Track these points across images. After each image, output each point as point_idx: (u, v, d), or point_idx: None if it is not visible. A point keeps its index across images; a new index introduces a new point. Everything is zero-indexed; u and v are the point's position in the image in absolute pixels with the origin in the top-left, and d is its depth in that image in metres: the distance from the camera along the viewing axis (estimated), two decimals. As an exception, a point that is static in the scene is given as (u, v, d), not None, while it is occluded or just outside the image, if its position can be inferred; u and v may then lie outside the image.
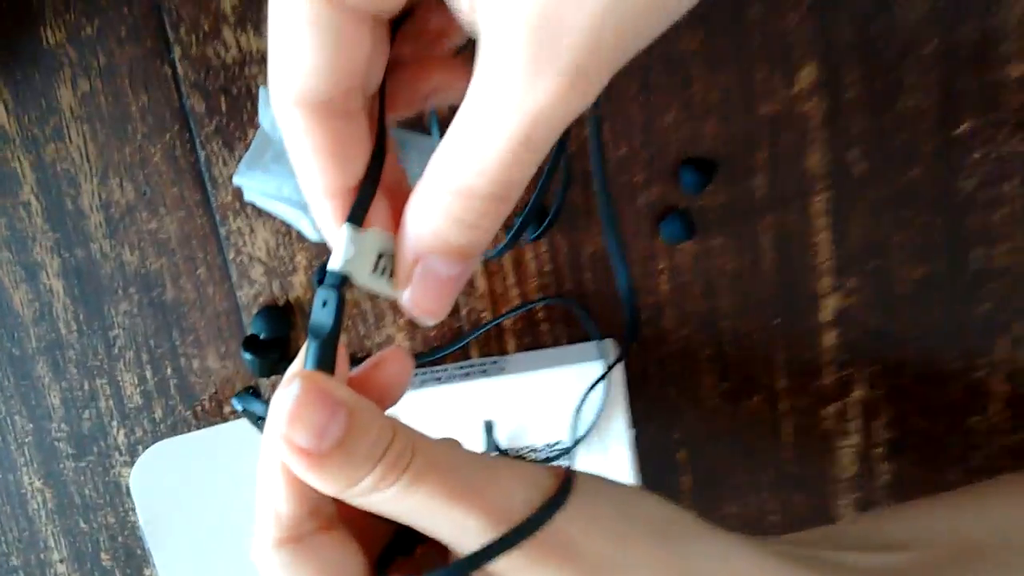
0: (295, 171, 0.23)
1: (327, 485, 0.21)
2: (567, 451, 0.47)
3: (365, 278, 0.22)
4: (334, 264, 0.22)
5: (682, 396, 0.50)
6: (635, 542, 0.23)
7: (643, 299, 0.49)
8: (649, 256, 0.49)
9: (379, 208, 0.23)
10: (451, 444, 0.24)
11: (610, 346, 0.48)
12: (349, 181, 0.23)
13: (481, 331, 0.49)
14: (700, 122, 0.46)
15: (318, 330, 0.22)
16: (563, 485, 0.23)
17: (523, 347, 0.50)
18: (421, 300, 0.22)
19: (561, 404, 0.46)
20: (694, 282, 0.49)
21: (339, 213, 0.23)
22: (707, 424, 0.50)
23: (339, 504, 0.23)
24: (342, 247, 0.22)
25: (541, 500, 0.23)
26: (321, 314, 0.22)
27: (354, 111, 0.22)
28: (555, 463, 0.48)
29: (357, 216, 0.22)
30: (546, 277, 0.49)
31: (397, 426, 0.22)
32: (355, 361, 0.47)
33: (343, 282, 0.22)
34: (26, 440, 0.50)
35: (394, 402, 0.25)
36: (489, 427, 0.46)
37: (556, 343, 0.50)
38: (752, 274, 0.47)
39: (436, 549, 0.24)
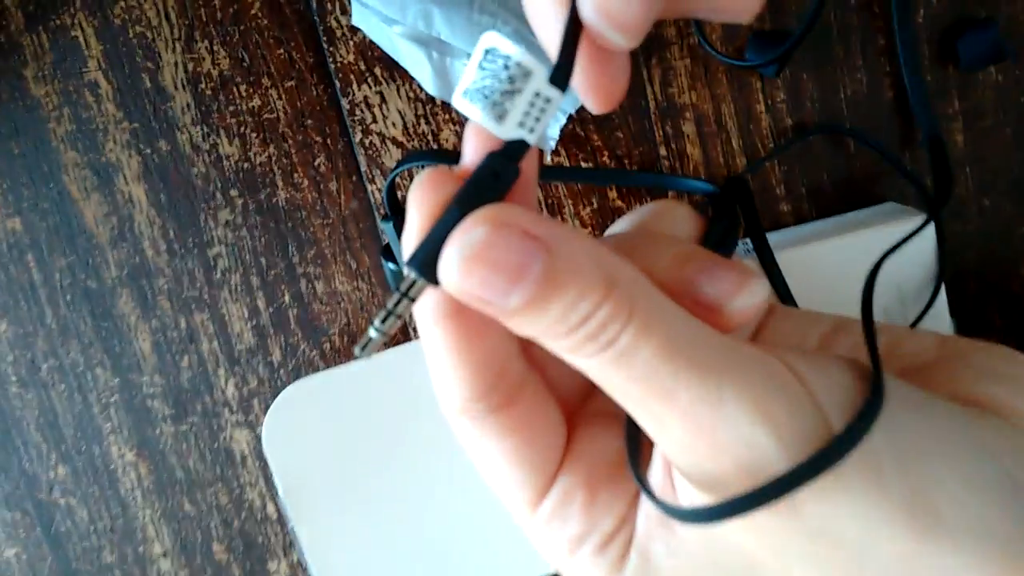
0: None
1: (516, 331, 0.19)
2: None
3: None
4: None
5: (996, 286, 0.38)
6: (952, 468, 0.20)
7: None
8: (937, 92, 0.36)
9: None
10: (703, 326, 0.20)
11: (895, 213, 0.35)
12: None
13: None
14: None
15: None
16: (873, 392, 0.19)
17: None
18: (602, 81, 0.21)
19: (848, 285, 0.34)
20: (1003, 126, 0.36)
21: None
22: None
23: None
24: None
25: (844, 412, 0.19)
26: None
27: None
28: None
29: None
30: (787, 134, 0.36)
31: (619, 278, 0.19)
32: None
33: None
34: (111, 400, 0.40)
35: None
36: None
37: (805, 218, 0.37)
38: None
39: None
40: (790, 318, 0.25)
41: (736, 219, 0.26)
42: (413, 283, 0.19)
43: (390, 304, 0.19)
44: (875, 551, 0.19)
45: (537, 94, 0.19)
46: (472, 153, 0.20)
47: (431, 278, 0.18)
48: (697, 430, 0.19)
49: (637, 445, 0.22)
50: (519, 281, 0.18)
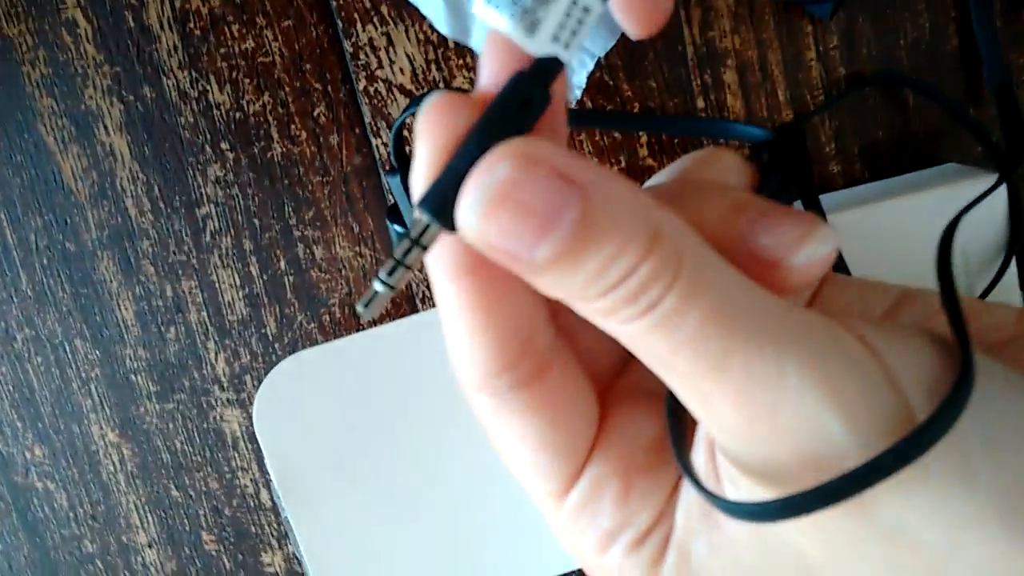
0: None
1: (543, 290, 0.17)
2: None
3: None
4: None
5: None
6: None
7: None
8: (1008, 41, 0.32)
9: None
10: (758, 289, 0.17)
11: (959, 175, 0.32)
12: None
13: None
14: None
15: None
16: (962, 370, 0.16)
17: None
18: None
19: (908, 252, 0.30)
20: (1089, 73, 0.32)
21: None
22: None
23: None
24: None
25: (929, 393, 0.17)
26: None
27: None
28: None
29: None
30: (839, 85, 0.33)
31: (664, 231, 0.16)
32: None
33: None
34: (92, 374, 0.37)
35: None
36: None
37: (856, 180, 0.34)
38: None
39: None
40: (847, 288, 0.22)
41: (793, 169, 0.23)
42: (426, 228, 0.16)
43: (399, 253, 0.16)
44: (961, 557, 0.17)
45: (574, 2, 0.16)
46: (493, 73, 0.17)
47: (447, 222, 0.16)
48: (752, 411, 0.17)
49: (681, 428, 0.19)
50: (549, 230, 0.15)
